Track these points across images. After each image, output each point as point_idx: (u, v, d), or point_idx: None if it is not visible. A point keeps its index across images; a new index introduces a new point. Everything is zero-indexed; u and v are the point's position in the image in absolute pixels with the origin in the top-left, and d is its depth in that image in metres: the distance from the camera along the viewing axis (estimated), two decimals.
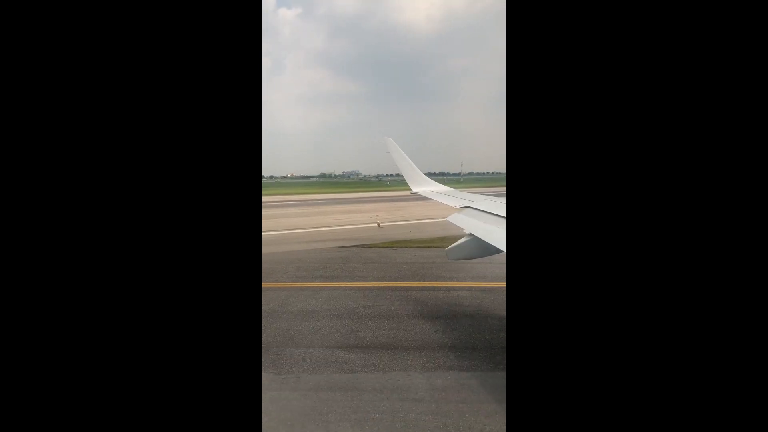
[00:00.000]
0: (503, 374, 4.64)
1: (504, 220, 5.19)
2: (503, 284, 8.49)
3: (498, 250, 4.77)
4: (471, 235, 5.62)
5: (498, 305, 7.06)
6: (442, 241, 13.22)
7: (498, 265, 9.23)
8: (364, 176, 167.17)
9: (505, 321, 5.06)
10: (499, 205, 6.31)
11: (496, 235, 4.87)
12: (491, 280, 8.66)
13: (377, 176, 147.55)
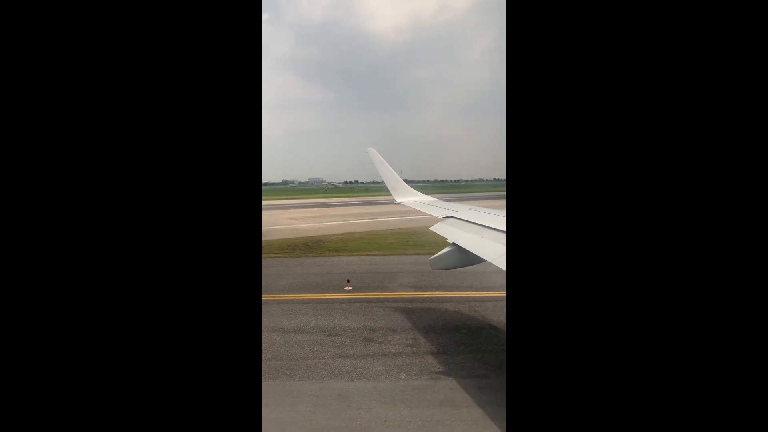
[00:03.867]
0: None
1: (486, 230, 5.31)
2: None
3: (480, 260, 4.75)
4: (454, 244, 5.64)
5: None
6: None
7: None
8: (328, 183, 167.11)
9: None
10: (482, 215, 6.39)
11: (478, 244, 4.86)
12: None
13: (331, 183, 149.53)
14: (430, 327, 7.21)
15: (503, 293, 9.12)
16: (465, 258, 5.55)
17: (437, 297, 9.04)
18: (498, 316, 7.72)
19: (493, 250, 4.62)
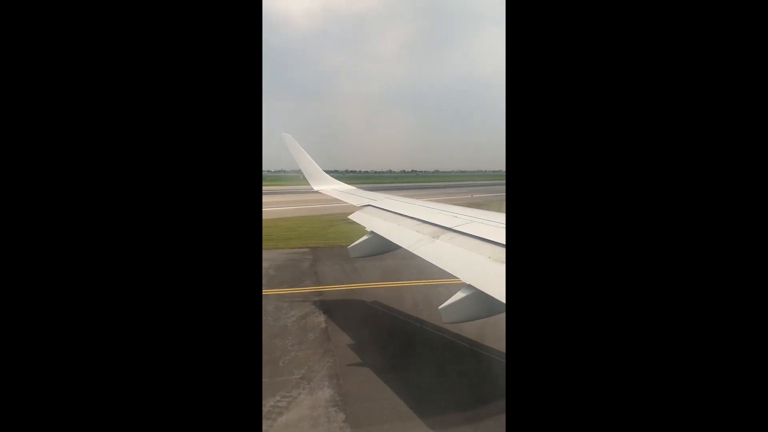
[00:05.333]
0: None
1: (402, 218, 5.50)
2: None
3: (397, 247, 4.89)
4: (372, 232, 5.70)
5: None
6: None
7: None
8: None
9: None
10: (400, 204, 6.58)
11: (395, 232, 5.02)
12: None
13: None
14: None
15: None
16: (382, 245, 5.55)
17: None
18: None
19: (408, 237, 4.72)
